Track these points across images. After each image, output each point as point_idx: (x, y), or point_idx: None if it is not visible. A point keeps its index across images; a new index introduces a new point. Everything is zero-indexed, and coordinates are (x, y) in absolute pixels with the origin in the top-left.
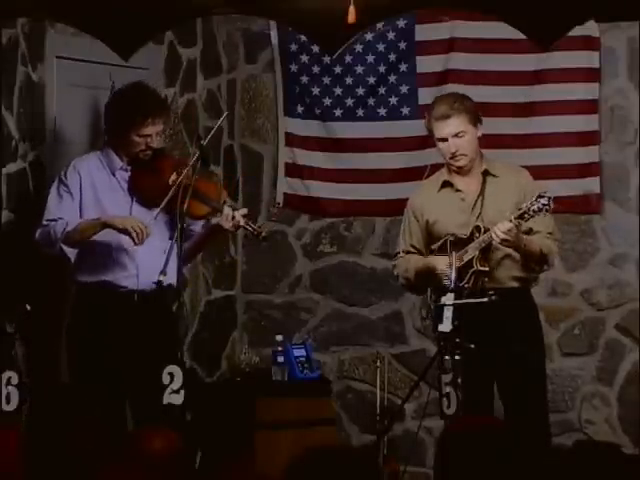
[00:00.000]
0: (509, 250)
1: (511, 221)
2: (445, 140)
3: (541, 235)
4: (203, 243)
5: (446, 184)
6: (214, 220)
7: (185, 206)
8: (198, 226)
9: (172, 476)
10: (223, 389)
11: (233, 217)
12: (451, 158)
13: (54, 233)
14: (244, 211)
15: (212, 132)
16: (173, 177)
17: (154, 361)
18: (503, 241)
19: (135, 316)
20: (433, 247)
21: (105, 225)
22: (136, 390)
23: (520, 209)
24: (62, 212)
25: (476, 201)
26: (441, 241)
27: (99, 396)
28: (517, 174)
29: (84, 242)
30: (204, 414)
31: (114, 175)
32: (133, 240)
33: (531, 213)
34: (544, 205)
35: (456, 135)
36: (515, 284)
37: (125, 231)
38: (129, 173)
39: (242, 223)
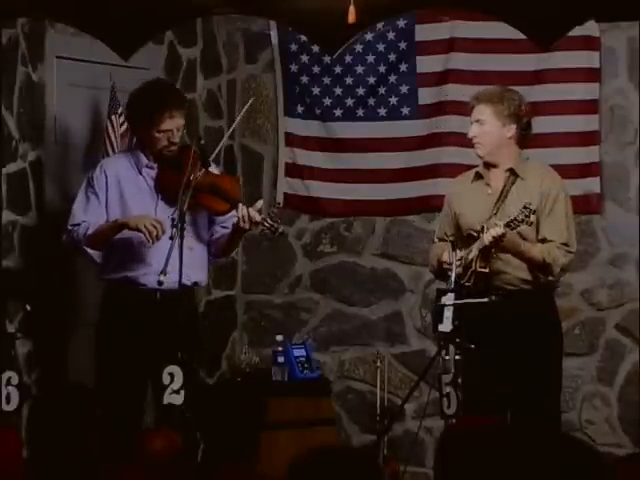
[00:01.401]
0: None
1: (501, 228)
2: (471, 123)
3: (552, 245)
4: (234, 240)
5: (478, 175)
6: (235, 220)
7: (185, 206)
8: (231, 222)
9: (173, 476)
10: (223, 389)
11: (249, 218)
12: (472, 143)
13: (77, 236)
14: (258, 205)
15: (228, 133)
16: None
17: (178, 359)
18: (491, 244)
19: (158, 314)
20: (454, 240)
21: (122, 226)
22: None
23: (509, 217)
24: (87, 215)
25: (498, 199)
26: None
27: (119, 395)
28: (542, 177)
29: (105, 244)
30: (205, 414)
31: (141, 173)
32: (146, 238)
33: (516, 223)
34: (526, 217)
35: (477, 121)
36: (527, 286)
37: (138, 230)
38: (155, 171)
39: (258, 219)
